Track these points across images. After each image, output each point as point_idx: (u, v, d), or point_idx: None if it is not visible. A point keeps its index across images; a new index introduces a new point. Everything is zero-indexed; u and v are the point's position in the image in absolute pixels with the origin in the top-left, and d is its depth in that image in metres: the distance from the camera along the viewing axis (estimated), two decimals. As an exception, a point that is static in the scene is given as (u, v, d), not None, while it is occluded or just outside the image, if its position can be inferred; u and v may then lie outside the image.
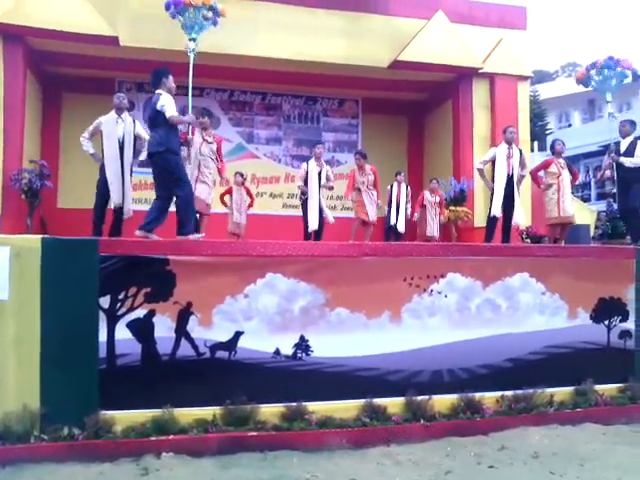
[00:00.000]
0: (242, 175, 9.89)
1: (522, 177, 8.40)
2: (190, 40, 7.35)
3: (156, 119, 6.10)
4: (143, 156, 7.21)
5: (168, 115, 6.02)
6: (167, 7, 7.30)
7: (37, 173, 9.11)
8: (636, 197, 8.14)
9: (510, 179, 8.14)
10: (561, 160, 8.67)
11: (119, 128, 7.12)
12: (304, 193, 8.89)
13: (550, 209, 8.55)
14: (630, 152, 8.22)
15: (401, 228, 10.25)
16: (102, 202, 7.09)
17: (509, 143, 8.24)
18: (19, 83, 9.34)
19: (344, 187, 10.09)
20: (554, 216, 8.51)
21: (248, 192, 9.93)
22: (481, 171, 8.39)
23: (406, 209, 10.45)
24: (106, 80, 11.05)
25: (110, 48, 9.56)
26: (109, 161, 7.02)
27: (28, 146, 9.73)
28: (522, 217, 8.39)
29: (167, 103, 6.04)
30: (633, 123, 8.51)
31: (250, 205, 9.87)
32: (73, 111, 10.78)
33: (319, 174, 8.90)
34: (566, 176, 8.59)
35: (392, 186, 10.45)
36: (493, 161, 8.24)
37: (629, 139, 8.37)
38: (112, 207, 7.09)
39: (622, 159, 8.24)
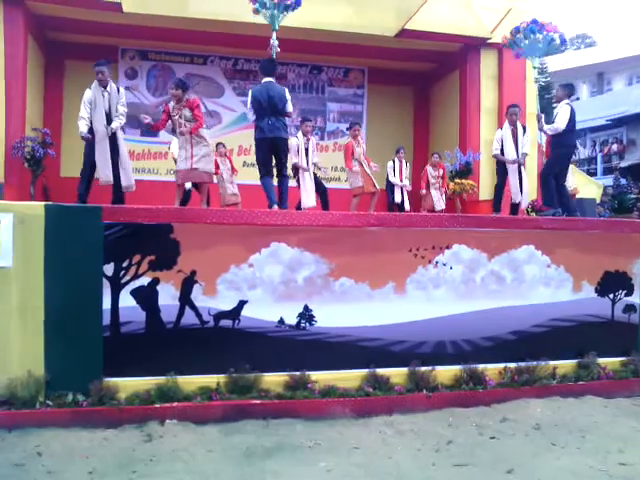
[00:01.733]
0: (224, 145, 9.81)
1: (525, 155, 8.23)
2: (273, 30, 7.78)
3: (283, 108, 6.72)
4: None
5: (289, 110, 6.84)
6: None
7: (40, 141, 9.03)
8: (547, 164, 7.85)
9: (518, 160, 8.05)
10: None
11: (105, 101, 6.93)
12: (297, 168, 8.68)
13: None
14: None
15: (407, 206, 10.26)
16: (90, 175, 6.98)
17: (513, 123, 8.09)
18: (20, 49, 9.20)
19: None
20: None
21: (231, 162, 9.86)
22: (497, 156, 8.23)
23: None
24: (109, 47, 10.89)
25: (113, 14, 9.39)
26: (98, 137, 6.86)
27: (30, 114, 9.64)
28: (526, 200, 8.35)
29: (290, 98, 6.85)
30: (566, 87, 7.81)
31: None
32: (76, 79, 10.61)
33: (306, 150, 8.60)
34: None
35: (394, 162, 10.38)
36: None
37: (561, 104, 7.71)
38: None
39: (545, 127, 7.69)
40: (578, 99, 34.38)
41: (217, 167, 9.32)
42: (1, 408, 4.94)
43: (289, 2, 7.62)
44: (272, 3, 7.61)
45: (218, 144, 9.64)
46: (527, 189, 8.30)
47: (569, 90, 7.76)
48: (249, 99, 6.87)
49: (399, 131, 12.10)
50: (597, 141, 26.30)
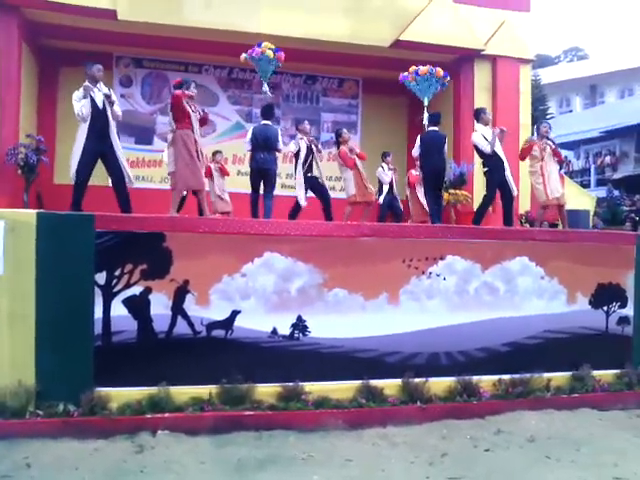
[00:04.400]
0: (222, 153, 10.02)
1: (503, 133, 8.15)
2: (266, 83, 8.33)
3: (275, 146, 7.78)
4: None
5: (280, 147, 7.93)
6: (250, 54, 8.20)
7: (33, 148, 8.98)
8: None
9: (497, 156, 7.86)
10: (544, 142, 8.41)
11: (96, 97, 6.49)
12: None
13: (538, 193, 8.33)
14: None
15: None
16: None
17: (486, 124, 8.12)
18: (14, 56, 9.16)
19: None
20: (543, 199, 8.28)
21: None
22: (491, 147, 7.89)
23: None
24: (104, 55, 10.80)
25: (108, 22, 9.37)
26: None
27: (24, 121, 9.58)
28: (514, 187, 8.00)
29: (281, 139, 7.97)
30: (431, 116, 8.43)
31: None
32: (70, 86, 10.53)
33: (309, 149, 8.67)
34: (549, 159, 8.37)
35: (383, 168, 10.27)
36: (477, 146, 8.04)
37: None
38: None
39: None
40: (571, 111, 34.69)
41: (210, 174, 9.31)
42: (-10, 418, 4.87)
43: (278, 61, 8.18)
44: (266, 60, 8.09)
45: (216, 152, 9.71)
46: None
47: (433, 119, 8.37)
48: (249, 135, 7.86)
49: (393, 141, 12.06)
50: (590, 153, 26.44)
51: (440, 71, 8.55)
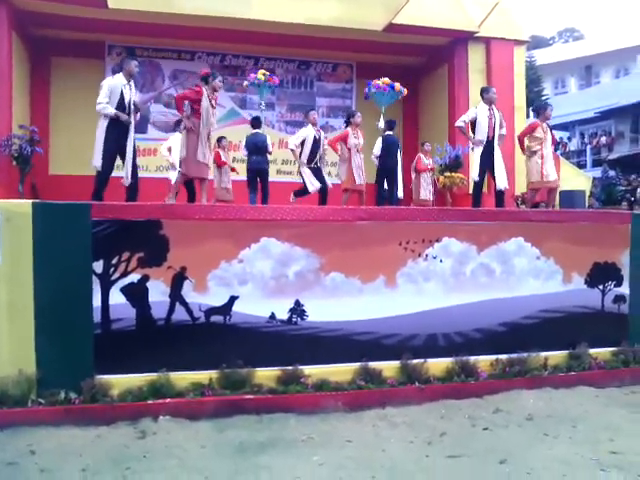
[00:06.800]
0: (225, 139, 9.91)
1: (502, 136, 7.99)
2: (262, 100, 9.79)
3: (266, 149, 9.18)
4: None
5: (270, 150, 9.35)
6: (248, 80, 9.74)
7: (27, 139, 8.97)
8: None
9: (491, 141, 7.78)
10: (545, 125, 8.44)
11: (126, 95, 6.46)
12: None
13: (532, 174, 8.30)
14: None
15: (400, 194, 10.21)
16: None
17: (490, 104, 7.89)
18: (5, 45, 9.12)
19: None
20: (536, 180, 8.30)
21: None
22: (461, 128, 8.00)
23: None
24: (96, 44, 10.83)
25: (99, 10, 9.33)
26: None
27: (17, 111, 9.56)
28: (504, 181, 7.89)
29: (270, 142, 9.39)
30: (387, 122, 9.42)
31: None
32: (63, 75, 10.60)
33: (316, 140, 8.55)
34: (549, 141, 8.38)
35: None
36: (472, 122, 7.88)
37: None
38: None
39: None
40: (567, 92, 34.61)
41: (220, 159, 9.38)
42: (-8, 407, 4.91)
43: (273, 84, 9.69)
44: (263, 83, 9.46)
45: (222, 138, 9.65)
46: (503, 173, 7.91)
47: (389, 125, 9.45)
48: (244, 143, 9.30)
49: (388, 125, 12.08)
50: (586, 134, 26.44)
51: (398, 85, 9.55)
